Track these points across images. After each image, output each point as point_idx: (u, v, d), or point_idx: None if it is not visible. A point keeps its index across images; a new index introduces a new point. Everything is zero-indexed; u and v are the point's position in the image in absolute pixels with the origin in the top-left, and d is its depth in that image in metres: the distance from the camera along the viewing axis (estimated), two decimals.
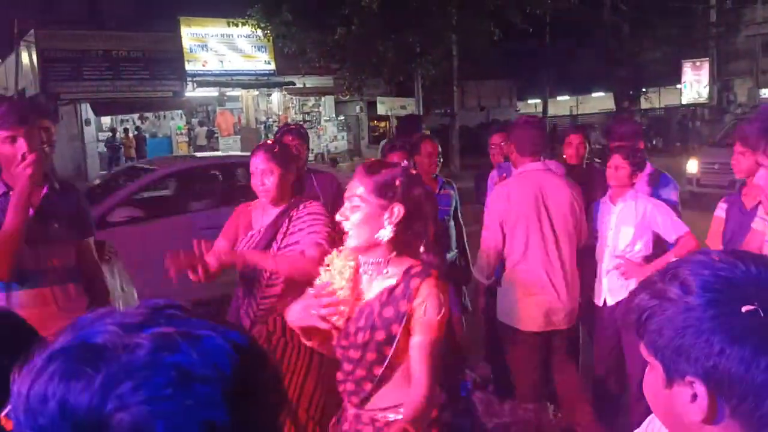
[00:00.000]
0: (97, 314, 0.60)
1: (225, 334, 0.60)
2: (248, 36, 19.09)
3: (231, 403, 0.56)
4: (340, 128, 23.22)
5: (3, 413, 0.59)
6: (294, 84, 20.64)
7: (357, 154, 21.97)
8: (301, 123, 19.91)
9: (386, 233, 1.89)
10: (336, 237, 2.60)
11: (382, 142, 5.69)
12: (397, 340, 1.87)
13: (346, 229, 1.93)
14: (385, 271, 1.94)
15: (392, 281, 1.90)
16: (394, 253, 1.93)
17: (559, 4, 15.62)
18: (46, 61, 17.82)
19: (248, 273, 2.80)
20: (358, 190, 1.92)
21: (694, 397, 0.85)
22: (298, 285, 2.41)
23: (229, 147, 21.00)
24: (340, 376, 2.02)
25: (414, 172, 2.10)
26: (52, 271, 2.58)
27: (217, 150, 19.65)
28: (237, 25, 17.08)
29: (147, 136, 21.64)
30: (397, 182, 1.91)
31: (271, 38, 17.58)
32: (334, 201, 3.94)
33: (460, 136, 18.96)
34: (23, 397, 0.55)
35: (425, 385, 1.84)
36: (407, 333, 1.87)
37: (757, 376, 0.80)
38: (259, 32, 17.10)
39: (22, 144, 2.43)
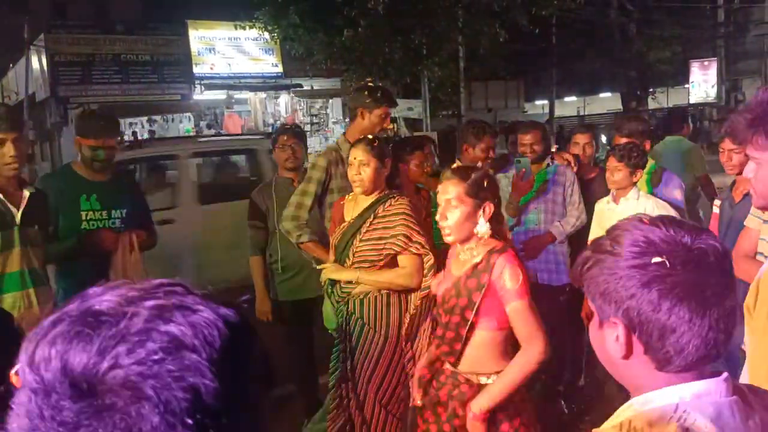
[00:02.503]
0: (107, 286, 0.66)
1: (217, 309, 0.65)
2: (255, 39, 19.15)
3: (217, 371, 0.61)
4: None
5: (13, 371, 0.63)
6: (301, 86, 20.70)
7: None
8: (307, 123, 20.02)
9: (484, 229, 2.26)
10: (423, 232, 2.85)
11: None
12: (476, 305, 2.22)
13: (444, 228, 2.27)
14: (475, 253, 2.28)
15: (478, 259, 2.25)
16: (483, 240, 2.28)
17: (566, 5, 15.56)
18: (56, 65, 17.98)
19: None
20: (453, 193, 2.24)
21: (617, 336, 1.00)
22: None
23: None
24: (435, 341, 2.40)
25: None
26: (34, 273, 2.68)
27: None
28: (244, 28, 17.11)
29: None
30: (485, 183, 2.26)
31: (278, 41, 17.64)
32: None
33: None
34: (29, 355, 0.60)
35: (537, 342, 2.17)
36: (488, 301, 2.22)
37: (661, 317, 0.96)
38: (266, 35, 17.15)
39: (9, 148, 2.58)
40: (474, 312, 2.23)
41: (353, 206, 2.99)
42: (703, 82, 23.80)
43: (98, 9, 20.20)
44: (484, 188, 2.26)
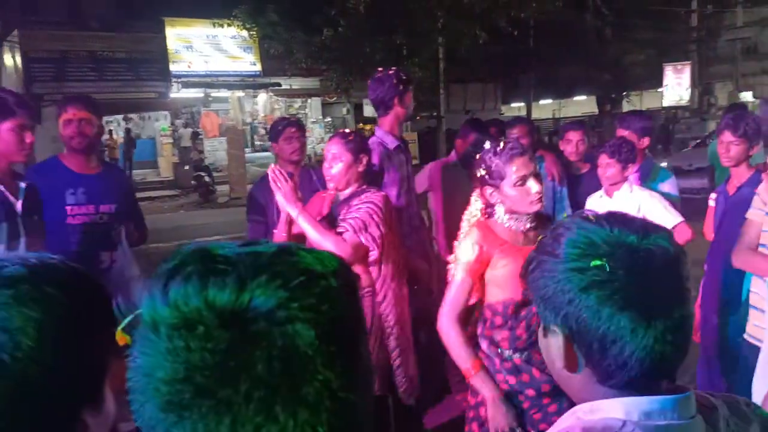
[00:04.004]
0: (207, 244, 0.66)
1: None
2: (234, 37, 19.03)
3: (348, 298, 0.64)
4: (327, 130, 23.20)
5: (120, 327, 0.63)
6: (280, 85, 20.58)
7: None
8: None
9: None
10: (382, 228, 2.73)
11: None
12: None
13: (539, 197, 2.26)
14: (530, 221, 2.33)
15: (540, 226, 2.30)
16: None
17: (544, 8, 15.71)
18: (29, 62, 17.64)
19: None
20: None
21: (557, 345, 0.93)
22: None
23: (215, 148, 20.93)
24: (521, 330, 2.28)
25: None
26: None
27: (202, 151, 19.56)
28: (222, 26, 17.01)
29: (139, 135, 21.52)
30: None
31: (256, 39, 17.54)
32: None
33: (446, 139, 19.00)
34: (160, 295, 0.60)
35: None
36: None
37: (600, 326, 0.87)
38: (245, 33, 17.06)
39: (29, 136, 2.60)
40: None
41: (331, 200, 2.96)
42: (676, 86, 24.17)
43: (72, 5, 19.82)
44: None
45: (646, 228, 0.91)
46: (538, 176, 2.28)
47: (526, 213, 2.28)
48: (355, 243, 2.67)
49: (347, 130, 2.95)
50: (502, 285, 2.26)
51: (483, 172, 2.34)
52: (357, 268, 2.70)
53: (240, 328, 0.58)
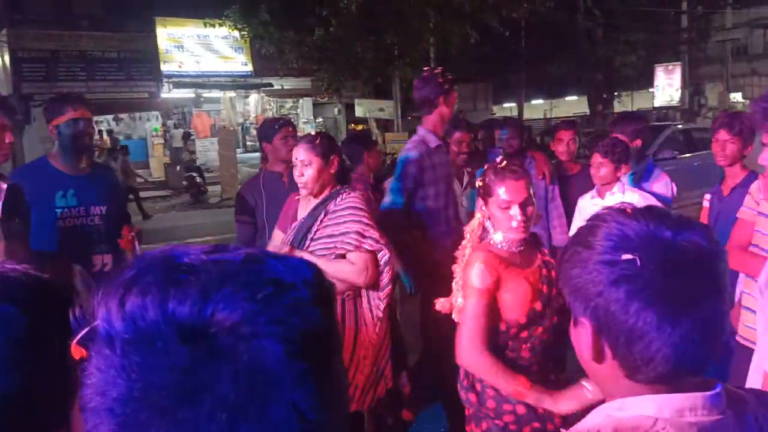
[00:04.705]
0: (172, 248, 0.62)
1: (298, 257, 0.66)
2: (225, 37, 18.96)
3: (320, 308, 0.60)
4: (319, 130, 23.14)
5: (74, 340, 0.59)
6: (272, 86, 20.54)
7: None
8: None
9: None
10: (376, 227, 2.70)
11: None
12: None
13: (524, 226, 2.20)
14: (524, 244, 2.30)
15: (534, 249, 2.33)
16: None
17: (535, 8, 15.74)
18: (18, 61, 17.52)
19: None
20: (528, 190, 2.22)
21: (586, 337, 0.93)
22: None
23: (206, 149, 20.84)
24: (526, 347, 2.23)
25: None
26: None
27: (194, 152, 19.47)
28: (214, 26, 16.92)
29: (120, 138, 21.37)
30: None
31: (248, 39, 17.48)
32: None
33: None
34: (116, 308, 0.56)
35: None
36: None
37: (628, 319, 0.86)
38: (236, 33, 16.99)
39: (8, 135, 2.55)
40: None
41: (306, 203, 2.88)
42: (667, 86, 24.24)
43: (60, 3, 19.67)
44: None
45: (681, 224, 0.90)
46: (527, 205, 2.20)
47: (511, 236, 2.23)
48: (366, 258, 2.66)
49: (313, 133, 2.91)
50: (504, 308, 2.19)
51: (479, 183, 2.33)
52: (382, 277, 2.70)
53: (202, 344, 0.54)
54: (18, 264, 0.78)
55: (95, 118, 16.00)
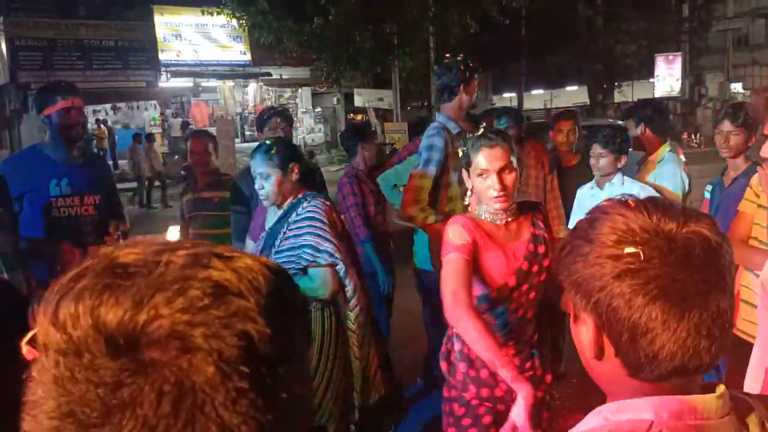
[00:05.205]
0: (122, 244, 0.59)
1: (253, 257, 0.60)
2: (223, 26, 18.87)
3: (268, 317, 0.55)
4: (317, 120, 23.10)
5: (24, 341, 0.55)
6: (270, 75, 20.46)
7: (334, 147, 21.87)
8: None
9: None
10: (334, 238, 2.62)
11: None
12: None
13: (504, 195, 2.14)
14: (513, 216, 2.24)
15: (525, 223, 2.26)
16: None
17: None
18: (15, 50, 17.43)
19: None
20: (506, 157, 2.16)
21: (587, 333, 0.90)
22: None
23: None
24: (497, 320, 2.20)
25: None
26: (4, 258, 2.56)
27: None
28: (212, 14, 16.83)
29: (116, 127, 21.32)
30: (515, 147, 2.25)
31: (246, 28, 17.38)
32: (318, 191, 3.94)
33: None
34: (51, 314, 0.52)
35: None
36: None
37: (632, 314, 0.83)
38: (234, 22, 16.90)
39: None
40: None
41: (273, 212, 2.79)
42: (667, 76, 24.14)
43: None
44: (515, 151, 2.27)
45: (686, 215, 0.86)
46: (506, 173, 2.15)
47: (494, 208, 2.19)
48: (323, 272, 2.60)
49: (267, 142, 2.77)
50: (480, 280, 2.17)
51: (461, 153, 2.30)
52: (328, 290, 2.62)
53: (130, 357, 0.50)
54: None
55: (93, 108, 15.90)
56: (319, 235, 2.59)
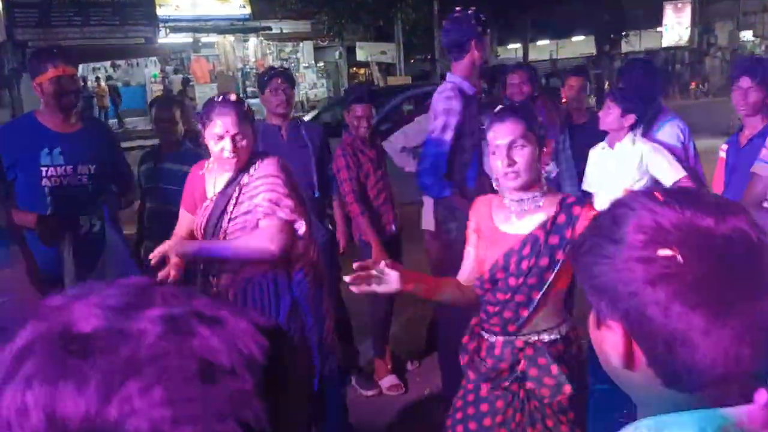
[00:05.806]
0: (72, 294, 0.48)
1: (244, 314, 0.49)
2: None
3: (266, 396, 0.46)
4: (320, 75, 22.78)
5: None
6: (270, 29, 20.08)
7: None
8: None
9: (550, 168, 2.12)
10: (292, 195, 2.46)
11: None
12: (559, 265, 2.00)
13: (513, 173, 2.00)
14: (540, 203, 2.05)
15: (551, 211, 2.02)
16: (546, 187, 2.08)
17: None
18: (11, 6, 17.11)
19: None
20: (518, 131, 2.00)
21: (615, 342, 0.81)
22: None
23: (206, 95, 20.52)
24: (490, 309, 2.10)
25: None
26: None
27: (194, 98, 19.21)
28: None
29: (119, 85, 21.08)
30: (540, 120, 2.10)
31: None
32: (321, 152, 3.80)
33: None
34: None
35: None
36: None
37: (669, 323, 0.75)
38: None
39: None
40: (554, 273, 2.02)
41: (214, 179, 2.56)
42: (676, 25, 23.69)
43: None
44: (541, 126, 2.09)
45: (722, 208, 0.77)
46: (517, 148, 2.01)
47: (506, 187, 2.06)
48: (279, 225, 2.40)
49: (233, 97, 2.53)
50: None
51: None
52: (280, 243, 2.42)
53: None
54: None
55: (93, 65, 15.68)
56: (278, 191, 2.44)
